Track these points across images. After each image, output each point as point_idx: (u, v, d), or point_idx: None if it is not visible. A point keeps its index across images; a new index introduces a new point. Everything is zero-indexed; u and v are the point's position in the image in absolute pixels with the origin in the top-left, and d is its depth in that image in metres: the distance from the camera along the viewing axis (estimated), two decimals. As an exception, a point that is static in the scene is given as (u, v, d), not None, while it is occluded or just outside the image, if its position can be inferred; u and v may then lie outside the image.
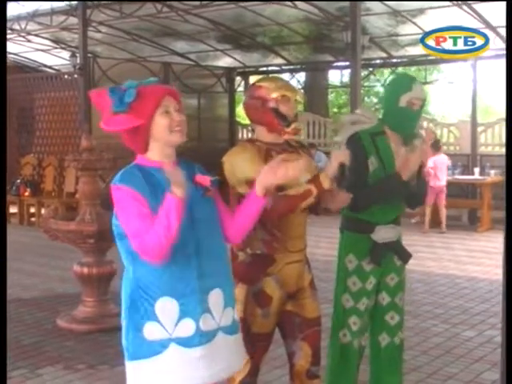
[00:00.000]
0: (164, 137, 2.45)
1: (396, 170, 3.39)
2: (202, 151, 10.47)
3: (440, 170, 10.96)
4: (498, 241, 8.64)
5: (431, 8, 11.50)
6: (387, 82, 12.39)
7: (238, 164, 2.97)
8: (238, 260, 3.11)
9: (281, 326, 3.22)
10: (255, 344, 3.06)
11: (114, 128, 2.44)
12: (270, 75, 13.85)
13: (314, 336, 3.22)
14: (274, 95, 3.04)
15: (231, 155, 3.04)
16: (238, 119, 17.30)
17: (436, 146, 11.15)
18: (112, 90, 2.43)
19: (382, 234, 3.48)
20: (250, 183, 2.70)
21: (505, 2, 3.67)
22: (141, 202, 2.35)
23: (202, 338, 2.41)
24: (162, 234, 2.28)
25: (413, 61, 14.86)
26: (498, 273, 7.06)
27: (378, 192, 3.40)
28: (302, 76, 18.69)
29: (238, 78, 16.93)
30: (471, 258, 9.04)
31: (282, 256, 3.08)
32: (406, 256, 3.61)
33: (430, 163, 10.78)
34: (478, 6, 10.97)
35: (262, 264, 3.08)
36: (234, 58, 16.01)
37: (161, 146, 2.47)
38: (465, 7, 10.97)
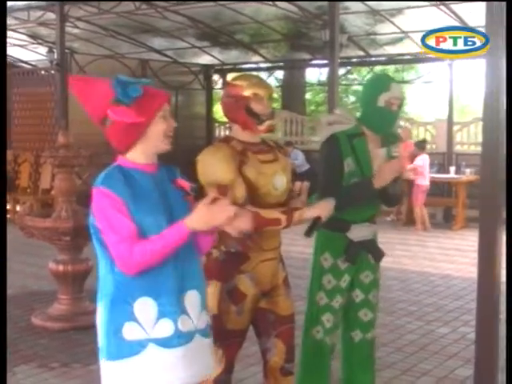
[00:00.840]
0: (157, 141, 2.44)
1: (371, 174, 3.37)
2: (179, 149, 10.39)
3: (426, 169, 11.04)
4: (471, 239, 8.73)
5: (409, 8, 11.57)
6: (365, 81, 12.39)
7: (210, 164, 2.95)
8: (211, 257, 3.11)
9: (255, 324, 3.24)
10: (230, 341, 3.07)
11: (116, 118, 2.37)
12: (247, 73, 13.83)
13: (288, 333, 3.23)
14: (247, 93, 3.04)
15: (205, 155, 3.02)
16: (215, 117, 17.28)
17: (421, 146, 11.22)
18: (116, 79, 2.38)
19: (358, 232, 3.48)
20: (220, 186, 2.69)
21: (483, 3, 3.73)
22: (122, 210, 2.31)
23: (181, 339, 2.40)
24: (149, 256, 2.29)
25: (391, 60, 14.95)
26: (471, 270, 7.13)
27: (351, 195, 3.40)
28: (279, 74, 18.74)
29: (216, 76, 16.90)
30: (445, 255, 9.14)
31: (256, 254, 3.09)
32: (379, 255, 3.61)
33: (419, 162, 10.88)
34: (456, 7, 11.05)
35: (235, 261, 3.09)
36: (213, 56, 15.96)
37: (147, 148, 2.44)
38: (443, 7, 11.05)
